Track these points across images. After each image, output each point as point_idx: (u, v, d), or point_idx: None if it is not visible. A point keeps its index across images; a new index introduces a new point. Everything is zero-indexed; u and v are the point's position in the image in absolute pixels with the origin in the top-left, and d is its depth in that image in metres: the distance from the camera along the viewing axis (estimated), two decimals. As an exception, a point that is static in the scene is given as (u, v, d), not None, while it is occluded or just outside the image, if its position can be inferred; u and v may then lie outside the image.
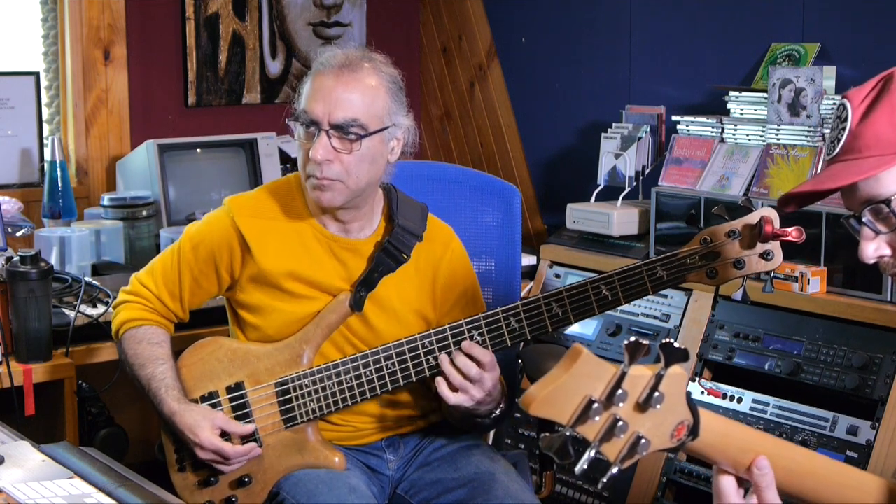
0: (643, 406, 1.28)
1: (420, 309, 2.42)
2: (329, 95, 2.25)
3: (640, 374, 1.28)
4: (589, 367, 1.25)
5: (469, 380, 2.23)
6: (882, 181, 1.49)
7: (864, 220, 1.52)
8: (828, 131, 2.95)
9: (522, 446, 3.39)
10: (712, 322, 3.05)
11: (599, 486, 1.31)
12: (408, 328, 2.39)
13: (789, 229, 2.11)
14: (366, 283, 2.35)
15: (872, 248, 1.54)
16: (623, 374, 1.26)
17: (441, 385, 2.24)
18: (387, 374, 2.31)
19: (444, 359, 2.26)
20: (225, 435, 2.29)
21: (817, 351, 2.84)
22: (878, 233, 1.53)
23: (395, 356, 2.31)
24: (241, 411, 2.35)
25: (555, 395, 1.24)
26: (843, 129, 1.53)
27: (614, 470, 1.29)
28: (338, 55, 2.29)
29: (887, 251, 1.54)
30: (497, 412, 2.36)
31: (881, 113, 1.49)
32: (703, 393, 3.01)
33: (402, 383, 2.31)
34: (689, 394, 1.33)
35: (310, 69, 2.34)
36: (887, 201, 1.49)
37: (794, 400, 2.88)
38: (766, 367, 2.92)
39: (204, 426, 2.27)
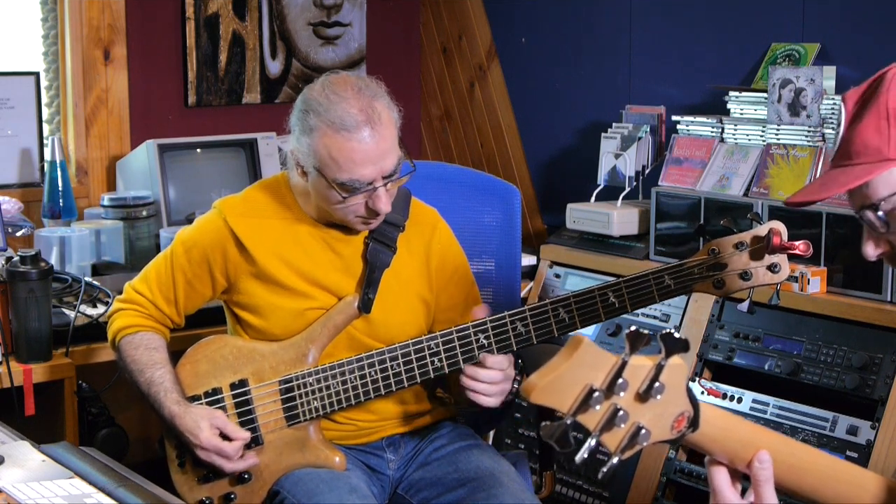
0: (644, 396, 1.28)
1: (420, 292, 2.43)
2: (372, 156, 2.22)
3: (640, 364, 1.27)
4: (590, 355, 1.25)
5: (498, 385, 2.28)
6: (872, 187, 1.54)
7: (864, 220, 1.57)
8: (828, 131, 2.97)
9: (522, 446, 3.38)
10: (712, 322, 3.05)
11: (600, 475, 1.30)
12: (412, 313, 2.40)
13: (797, 243, 2.12)
14: (370, 284, 2.36)
15: (872, 247, 1.60)
16: (624, 364, 1.25)
17: (480, 399, 2.28)
18: (391, 375, 2.31)
19: (469, 382, 2.27)
20: (225, 436, 2.30)
21: (817, 351, 2.84)
22: (877, 232, 1.57)
23: (400, 357, 2.31)
24: (244, 408, 2.35)
25: (556, 384, 1.24)
26: (839, 132, 1.58)
27: (615, 460, 1.28)
28: (352, 112, 2.21)
29: (887, 248, 1.60)
30: (514, 388, 2.37)
31: (868, 119, 1.54)
32: (703, 393, 3.01)
33: (406, 384, 2.32)
34: (689, 385, 1.33)
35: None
36: (876, 206, 1.54)
37: (794, 400, 2.88)
38: (766, 367, 2.92)
39: (203, 427, 2.28)
